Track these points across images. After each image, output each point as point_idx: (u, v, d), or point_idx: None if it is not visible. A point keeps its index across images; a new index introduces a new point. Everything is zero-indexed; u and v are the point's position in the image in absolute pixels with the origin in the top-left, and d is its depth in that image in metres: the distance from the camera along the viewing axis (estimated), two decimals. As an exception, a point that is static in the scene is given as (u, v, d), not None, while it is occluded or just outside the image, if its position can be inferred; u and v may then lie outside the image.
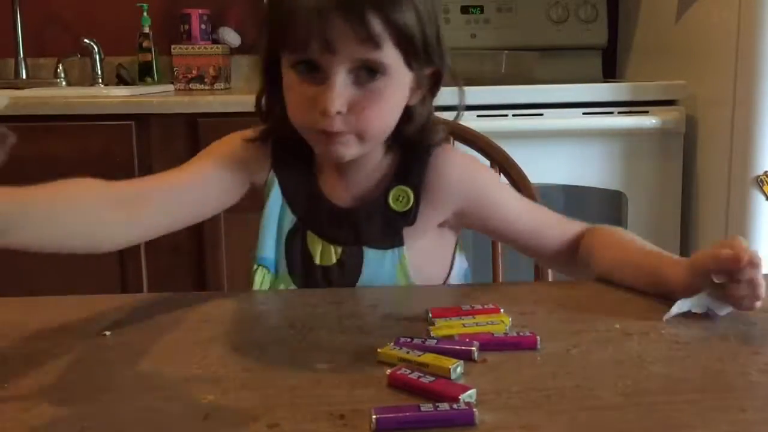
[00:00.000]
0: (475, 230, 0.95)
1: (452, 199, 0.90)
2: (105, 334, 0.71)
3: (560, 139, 1.83)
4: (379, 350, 0.63)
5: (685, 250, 1.84)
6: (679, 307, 0.74)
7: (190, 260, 1.89)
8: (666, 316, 0.73)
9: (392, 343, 0.64)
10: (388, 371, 0.59)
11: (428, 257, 0.92)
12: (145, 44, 2.31)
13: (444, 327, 0.69)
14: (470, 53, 2.15)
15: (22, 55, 2.35)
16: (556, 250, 0.93)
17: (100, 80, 2.34)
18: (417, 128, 0.87)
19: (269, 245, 0.92)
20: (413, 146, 0.89)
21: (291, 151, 0.90)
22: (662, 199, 1.86)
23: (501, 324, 0.70)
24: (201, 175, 0.89)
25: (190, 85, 2.25)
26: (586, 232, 0.92)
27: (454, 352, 0.62)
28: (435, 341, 0.65)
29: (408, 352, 0.62)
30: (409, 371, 0.59)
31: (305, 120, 0.82)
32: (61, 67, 2.33)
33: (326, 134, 0.80)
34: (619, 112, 1.81)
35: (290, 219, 0.92)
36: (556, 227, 0.93)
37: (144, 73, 2.33)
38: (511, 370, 0.62)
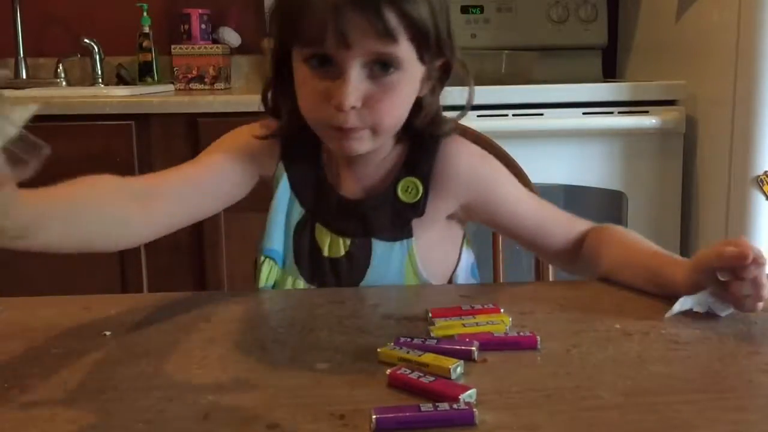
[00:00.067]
0: (482, 223, 0.95)
1: (460, 190, 0.90)
2: (105, 334, 0.71)
3: (560, 139, 1.83)
4: (379, 350, 0.63)
5: (685, 250, 1.84)
6: (681, 304, 0.74)
7: (190, 260, 1.89)
8: (668, 314, 0.73)
9: (392, 343, 0.64)
10: (388, 371, 0.59)
11: (436, 250, 0.92)
12: (145, 44, 2.31)
13: (444, 327, 0.69)
14: (470, 53, 2.14)
15: (22, 55, 2.35)
16: (561, 247, 0.92)
17: (100, 80, 2.34)
18: (427, 119, 0.87)
19: (277, 238, 0.92)
20: (422, 137, 0.89)
21: (299, 143, 0.90)
22: (662, 199, 1.86)
23: (501, 324, 0.70)
24: (214, 168, 0.89)
25: (190, 85, 2.25)
26: (590, 231, 0.92)
27: (454, 352, 0.62)
28: (435, 341, 0.65)
29: (408, 352, 0.62)
30: (409, 371, 0.59)
31: (319, 115, 0.81)
32: (61, 67, 2.33)
33: (340, 130, 0.80)
34: (619, 112, 1.81)
35: (298, 211, 0.92)
36: (562, 225, 0.93)
37: (144, 73, 2.33)
38: (511, 370, 0.62)
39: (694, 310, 0.74)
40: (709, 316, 0.74)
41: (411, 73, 0.81)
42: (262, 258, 0.92)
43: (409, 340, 0.65)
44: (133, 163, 1.86)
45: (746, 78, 1.64)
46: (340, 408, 0.55)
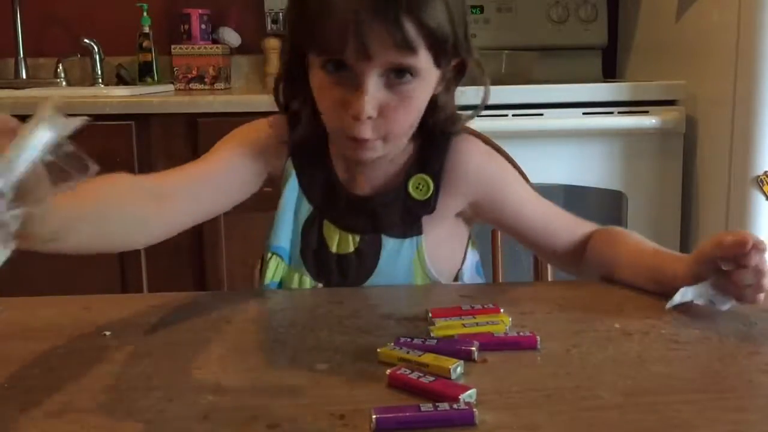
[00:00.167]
0: (488, 223, 0.96)
1: (469, 188, 0.91)
2: (105, 334, 0.72)
3: (560, 139, 1.83)
4: (379, 350, 0.63)
5: (685, 249, 1.82)
6: (682, 294, 0.73)
7: (190, 260, 1.89)
8: (669, 304, 0.73)
9: (392, 343, 0.64)
10: (388, 371, 0.59)
11: (444, 247, 0.92)
12: (145, 44, 2.31)
13: (444, 327, 0.69)
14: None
15: (22, 55, 2.35)
16: (565, 249, 0.93)
17: (100, 80, 2.34)
18: (443, 117, 0.87)
19: (284, 234, 0.92)
20: (434, 134, 0.89)
21: (308, 140, 0.90)
22: (662, 199, 1.86)
23: (501, 324, 0.70)
24: (225, 165, 0.89)
25: (190, 85, 2.25)
26: (594, 233, 0.92)
27: (454, 352, 0.62)
28: (435, 341, 0.65)
29: (408, 352, 0.62)
30: (409, 371, 0.59)
31: (337, 124, 0.82)
32: (61, 67, 2.33)
33: (355, 140, 0.80)
34: (619, 112, 1.81)
35: (307, 208, 0.92)
36: (567, 227, 0.93)
37: (144, 73, 2.33)
38: (511, 370, 0.62)
39: (695, 301, 0.74)
40: (710, 316, 0.74)
41: (427, 80, 0.81)
42: (269, 254, 0.92)
43: (409, 340, 0.65)
44: (133, 164, 1.86)
45: (746, 78, 1.63)
46: (340, 408, 0.55)
